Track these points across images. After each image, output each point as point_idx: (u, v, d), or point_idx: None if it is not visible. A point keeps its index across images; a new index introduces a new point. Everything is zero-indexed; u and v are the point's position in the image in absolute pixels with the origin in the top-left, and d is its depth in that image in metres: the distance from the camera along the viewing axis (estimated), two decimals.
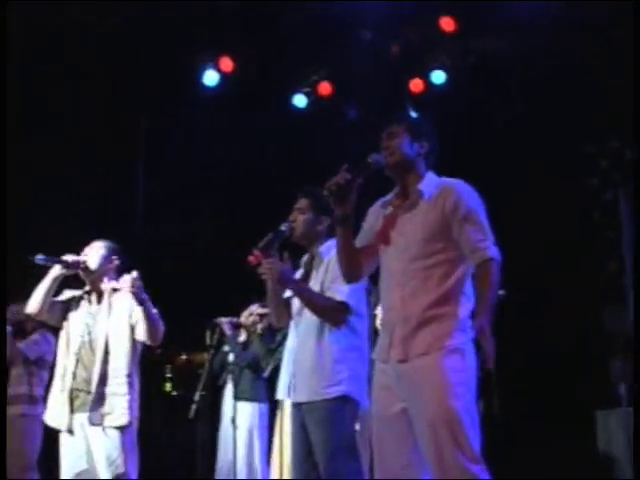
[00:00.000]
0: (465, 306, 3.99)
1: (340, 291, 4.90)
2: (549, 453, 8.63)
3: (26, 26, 9.41)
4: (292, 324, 5.21)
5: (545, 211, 9.61)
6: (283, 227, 5.09)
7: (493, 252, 3.98)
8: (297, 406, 5.02)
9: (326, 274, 4.99)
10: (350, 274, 4.37)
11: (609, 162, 9.99)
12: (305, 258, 5.27)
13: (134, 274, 5.34)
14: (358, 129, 9.67)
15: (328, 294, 4.94)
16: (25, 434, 7.39)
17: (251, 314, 8.08)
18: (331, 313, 4.91)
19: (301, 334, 5.05)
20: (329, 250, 5.06)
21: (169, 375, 10.92)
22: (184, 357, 10.71)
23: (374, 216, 4.34)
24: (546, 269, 9.62)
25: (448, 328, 3.92)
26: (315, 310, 4.93)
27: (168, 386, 10.95)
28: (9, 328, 7.36)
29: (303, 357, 4.97)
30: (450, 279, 3.99)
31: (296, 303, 5.15)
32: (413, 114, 9.25)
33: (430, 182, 4.17)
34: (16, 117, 9.57)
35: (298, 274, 5.25)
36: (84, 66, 9.94)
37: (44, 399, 7.28)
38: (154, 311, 5.51)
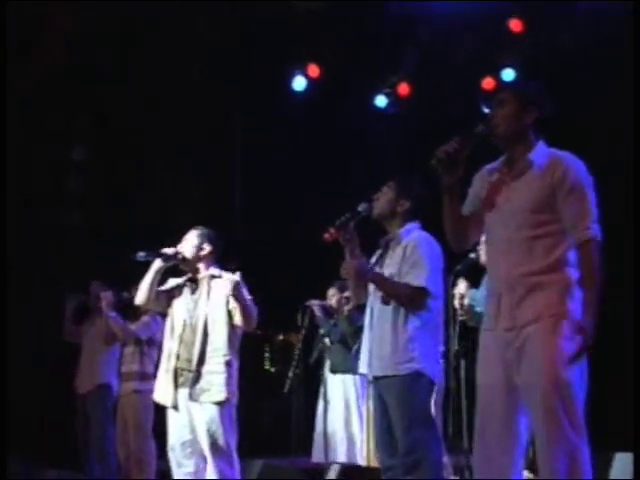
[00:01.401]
0: (573, 273, 3.65)
1: (419, 276, 4.75)
2: None
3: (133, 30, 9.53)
4: (369, 302, 5.07)
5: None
6: (360, 207, 4.93)
7: (593, 232, 3.63)
8: (374, 380, 4.92)
9: (404, 258, 4.83)
10: (456, 242, 3.98)
11: None
12: (384, 239, 5.08)
13: (237, 277, 5.35)
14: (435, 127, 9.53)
15: (407, 279, 4.78)
16: (139, 408, 7.40)
17: (333, 296, 8.02)
18: (410, 300, 4.77)
19: (377, 312, 4.91)
20: (408, 233, 4.92)
21: (268, 354, 10.93)
22: (281, 337, 10.68)
23: (480, 183, 3.96)
24: None
25: (556, 295, 3.61)
26: (395, 298, 4.79)
27: (267, 364, 10.95)
28: (113, 313, 7.40)
29: (379, 334, 4.84)
30: (556, 251, 3.66)
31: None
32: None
33: (541, 152, 3.79)
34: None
35: (375, 255, 5.12)
36: (185, 73, 10.03)
37: (154, 376, 7.44)
38: (249, 300, 5.48)
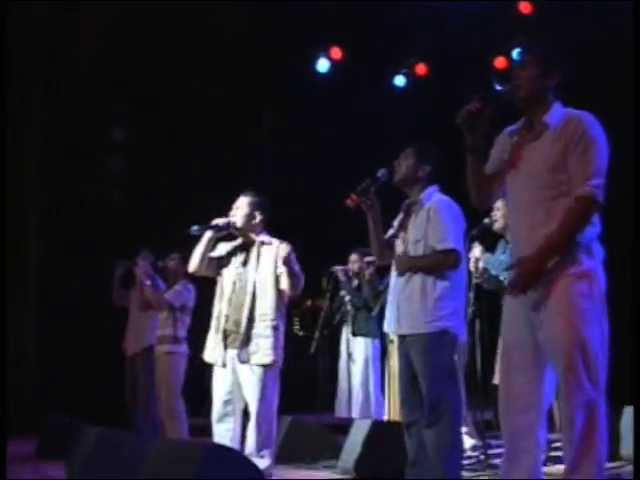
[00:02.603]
0: (591, 232, 3.52)
1: (446, 239, 4.60)
2: None
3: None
4: (394, 263, 4.90)
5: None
6: (379, 173, 4.78)
7: (594, 192, 3.46)
8: (401, 338, 4.77)
9: (429, 221, 4.65)
10: (479, 200, 3.83)
11: None
12: (405, 203, 4.91)
13: (287, 248, 5.22)
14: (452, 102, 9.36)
15: (433, 243, 4.63)
16: (170, 369, 7.32)
17: (355, 261, 7.90)
18: (444, 265, 4.63)
19: (406, 273, 4.74)
20: (429, 197, 4.75)
21: (297, 318, 10.83)
22: (309, 302, 10.57)
23: (502, 144, 3.80)
24: None
25: (576, 254, 3.46)
26: (430, 271, 4.63)
27: (296, 327, 10.86)
28: (149, 282, 7.36)
29: (409, 293, 4.67)
30: None
31: (399, 244, 4.85)
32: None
33: (557, 113, 3.61)
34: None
35: (397, 219, 4.96)
36: (217, 61, 9.95)
37: (186, 339, 7.40)
38: (297, 268, 5.32)
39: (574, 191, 3.49)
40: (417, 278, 4.66)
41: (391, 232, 4.96)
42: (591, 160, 3.49)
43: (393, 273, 4.91)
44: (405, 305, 4.69)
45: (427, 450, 4.57)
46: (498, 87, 3.66)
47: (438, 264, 4.65)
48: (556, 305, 3.45)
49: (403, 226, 4.86)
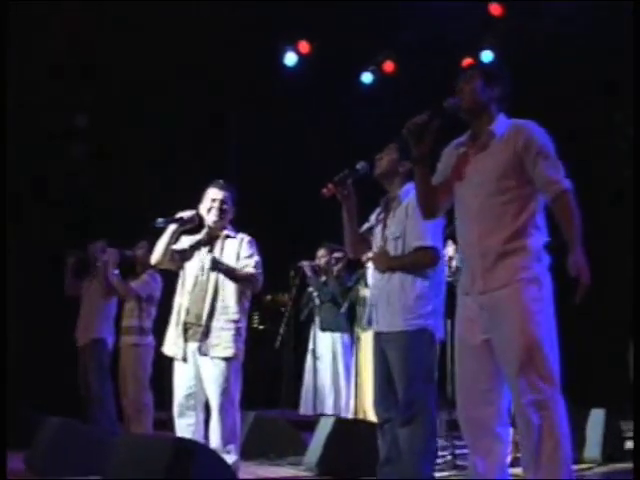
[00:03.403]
0: (539, 238, 3.64)
1: (426, 237, 4.53)
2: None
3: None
4: (373, 260, 4.83)
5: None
6: (358, 166, 4.68)
7: (567, 184, 3.61)
8: (378, 335, 4.67)
9: (407, 218, 4.60)
10: (427, 211, 3.98)
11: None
12: (384, 198, 4.84)
13: (249, 238, 5.28)
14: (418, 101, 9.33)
15: (412, 241, 4.56)
16: (137, 361, 7.25)
17: (322, 256, 7.82)
18: (423, 264, 4.57)
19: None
20: (407, 193, 4.66)
21: (256, 312, 10.74)
22: (269, 297, 10.50)
23: (448, 156, 3.93)
24: None
25: (525, 260, 3.57)
26: (410, 270, 4.56)
27: (255, 322, 10.77)
28: (116, 271, 7.27)
29: (388, 291, 4.59)
30: (524, 214, 3.62)
31: (377, 239, 4.77)
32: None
33: (501, 123, 3.77)
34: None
35: (375, 214, 4.89)
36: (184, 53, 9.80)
37: (152, 331, 7.25)
38: (254, 263, 5.28)
39: (550, 192, 3.60)
40: (396, 276, 4.59)
41: (367, 225, 4.90)
42: (553, 162, 3.64)
43: (371, 270, 4.83)
44: (384, 303, 4.62)
45: (400, 449, 4.50)
46: (445, 101, 3.79)
47: (417, 262, 4.59)
48: (508, 308, 3.53)
49: (382, 221, 4.79)
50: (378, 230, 4.79)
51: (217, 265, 5.16)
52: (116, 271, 7.25)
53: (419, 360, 4.50)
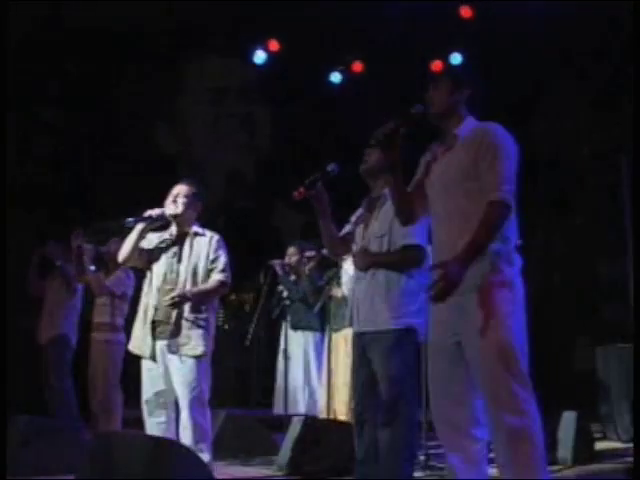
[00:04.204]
0: (509, 241, 3.61)
1: (411, 235, 4.46)
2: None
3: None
4: (353, 260, 4.76)
5: None
6: (329, 168, 4.60)
7: (504, 196, 3.52)
8: (360, 335, 4.60)
9: (394, 218, 4.40)
10: (403, 217, 3.99)
11: None
12: (366, 199, 4.79)
13: (217, 236, 5.27)
14: (386, 101, 9.33)
15: (403, 242, 4.50)
16: (107, 358, 7.13)
17: (293, 255, 7.76)
18: (408, 262, 4.52)
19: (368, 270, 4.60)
20: None
21: (221, 311, 10.66)
22: (233, 297, 10.44)
23: (423, 163, 3.94)
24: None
25: (495, 263, 3.53)
26: (394, 268, 4.52)
27: (220, 321, 10.69)
28: (93, 267, 7.22)
29: (372, 290, 4.53)
30: None
31: (358, 239, 4.71)
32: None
33: (467, 125, 3.77)
34: None
35: (355, 215, 4.83)
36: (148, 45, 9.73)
37: (123, 328, 7.15)
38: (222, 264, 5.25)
39: (486, 197, 3.55)
40: (381, 275, 4.53)
41: (348, 228, 4.83)
42: (500, 168, 3.58)
43: (350, 269, 4.78)
44: (367, 302, 4.55)
45: (380, 449, 4.43)
46: (412, 107, 3.84)
47: (402, 261, 4.54)
48: (480, 311, 3.50)
49: (363, 222, 4.73)
50: (359, 230, 4.73)
51: (185, 299, 5.12)
52: (92, 267, 7.18)
53: (403, 360, 4.43)
